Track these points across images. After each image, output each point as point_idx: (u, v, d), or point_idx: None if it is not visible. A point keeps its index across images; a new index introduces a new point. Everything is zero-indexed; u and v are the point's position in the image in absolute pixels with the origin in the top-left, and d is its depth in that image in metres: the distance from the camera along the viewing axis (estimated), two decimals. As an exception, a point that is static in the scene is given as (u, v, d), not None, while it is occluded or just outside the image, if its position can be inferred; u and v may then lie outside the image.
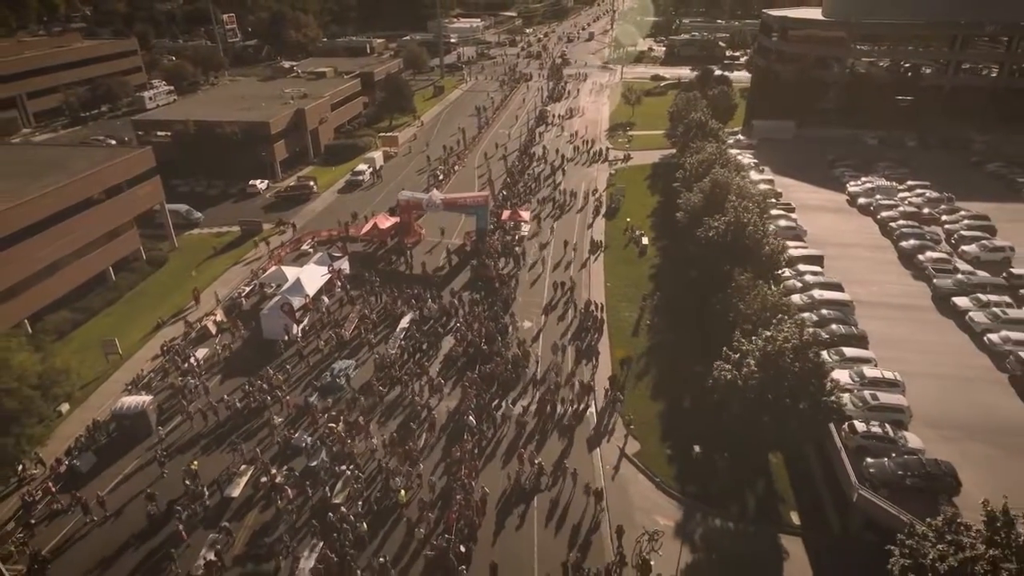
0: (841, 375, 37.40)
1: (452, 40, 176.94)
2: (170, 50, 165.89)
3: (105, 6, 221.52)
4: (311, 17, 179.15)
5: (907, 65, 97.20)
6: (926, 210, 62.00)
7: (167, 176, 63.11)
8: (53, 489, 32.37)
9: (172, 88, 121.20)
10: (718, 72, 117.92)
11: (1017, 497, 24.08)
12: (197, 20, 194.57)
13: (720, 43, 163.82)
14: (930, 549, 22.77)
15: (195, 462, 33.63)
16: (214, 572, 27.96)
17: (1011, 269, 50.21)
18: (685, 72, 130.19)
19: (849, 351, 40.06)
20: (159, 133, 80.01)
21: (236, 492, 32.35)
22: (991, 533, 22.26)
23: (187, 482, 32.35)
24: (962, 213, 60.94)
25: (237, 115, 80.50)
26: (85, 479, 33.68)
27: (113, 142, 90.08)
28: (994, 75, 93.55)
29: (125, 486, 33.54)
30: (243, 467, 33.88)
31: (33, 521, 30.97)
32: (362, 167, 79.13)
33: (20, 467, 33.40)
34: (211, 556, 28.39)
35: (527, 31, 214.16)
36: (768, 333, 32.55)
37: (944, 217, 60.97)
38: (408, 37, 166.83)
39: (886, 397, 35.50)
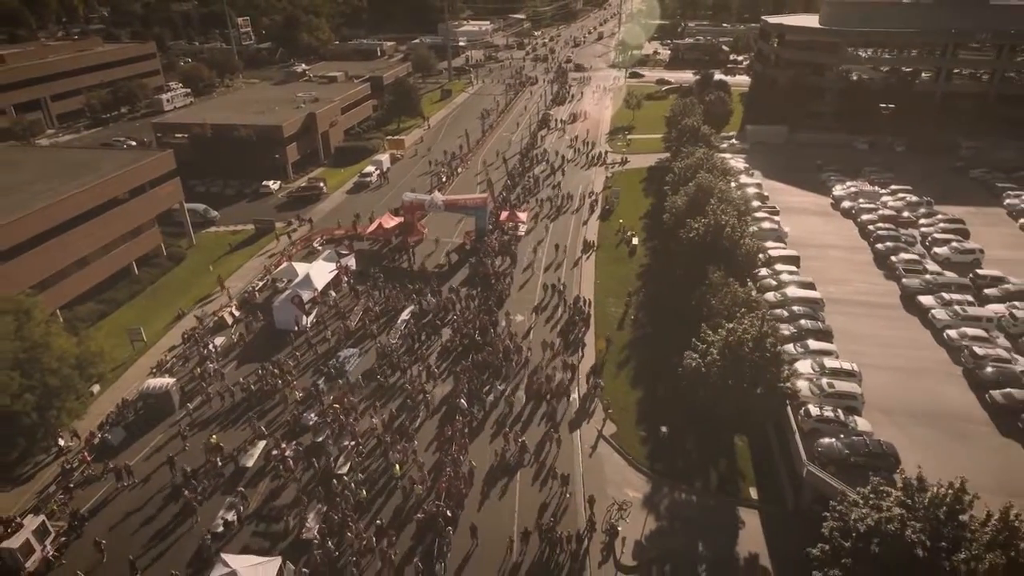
0: (804, 365, 40.71)
1: (461, 43, 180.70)
2: (186, 52, 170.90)
3: (122, 7, 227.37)
4: (323, 20, 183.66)
5: (908, 70, 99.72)
6: (905, 213, 64.79)
7: (185, 176, 67.04)
8: (88, 458, 36.36)
9: (189, 91, 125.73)
10: (718, 77, 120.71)
11: (950, 472, 27.06)
12: (212, 23, 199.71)
13: (724, 47, 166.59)
14: (854, 512, 26.10)
15: (214, 436, 37.48)
16: (231, 530, 31.81)
17: (977, 270, 53.19)
18: (688, 76, 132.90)
19: (814, 344, 43.23)
20: (177, 135, 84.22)
21: (250, 463, 36.19)
22: (906, 497, 25.57)
23: (219, 450, 36.33)
24: (939, 217, 63.86)
25: (251, 118, 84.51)
26: (116, 451, 37.67)
27: (133, 143, 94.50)
28: (985, 82, 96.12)
29: (152, 457, 37.45)
30: (257, 442, 37.66)
31: (72, 485, 34.95)
32: (370, 169, 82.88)
33: (60, 439, 37.35)
34: (229, 517, 32.21)
35: (535, 34, 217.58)
36: (730, 325, 35.94)
37: (922, 220, 63.80)
38: (418, 40, 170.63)
39: (841, 385, 38.67)
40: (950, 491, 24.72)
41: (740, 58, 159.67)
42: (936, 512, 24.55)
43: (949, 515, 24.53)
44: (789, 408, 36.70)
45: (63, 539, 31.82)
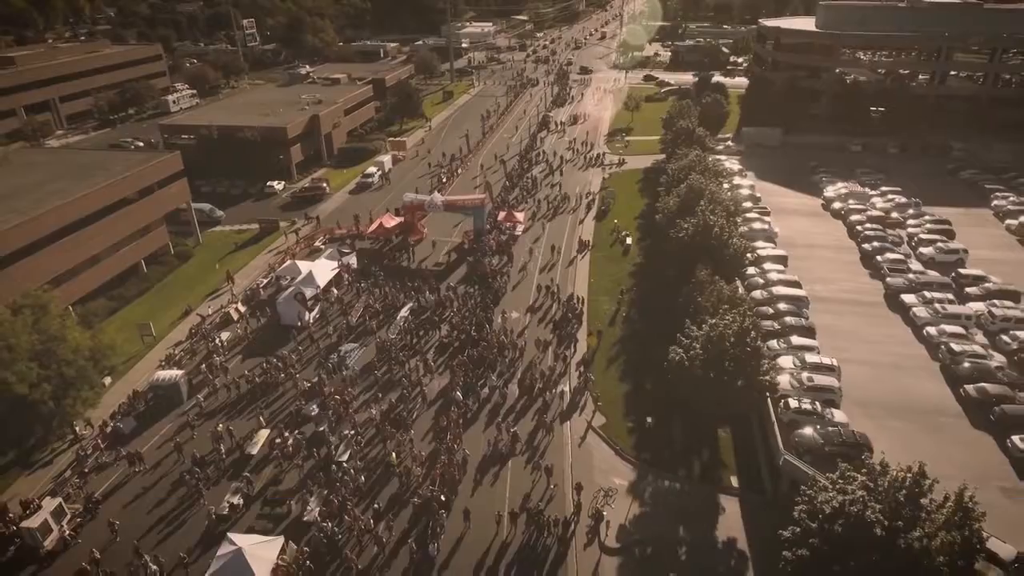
0: (786, 360, 42.44)
1: (464, 45, 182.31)
2: (192, 54, 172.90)
3: (129, 8, 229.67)
4: (327, 22, 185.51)
5: (904, 72, 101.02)
6: (894, 214, 66.38)
7: (192, 177, 68.74)
8: (101, 445, 38.32)
9: (195, 92, 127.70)
10: (716, 79, 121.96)
11: (915, 460, 28.69)
12: (218, 24, 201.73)
13: (724, 49, 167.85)
14: (821, 495, 27.76)
15: (220, 425, 39.36)
16: (237, 512, 33.67)
17: (959, 270, 54.74)
18: (688, 78, 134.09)
19: (797, 340, 44.91)
20: (184, 136, 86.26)
21: (255, 450, 38.03)
22: (869, 480, 27.23)
23: (224, 436, 38.35)
24: (926, 217, 65.36)
25: (256, 120, 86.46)
26: (127, 438, 39.62)
27: (141, 144, 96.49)
28: (979, 84, 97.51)
29: (162, 445, 39.33)
30: (261, 431, 39.50)
31: (86, 470, 36.90)
32: (372, 170, 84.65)
33: (75, 427, 39.27)
34: (235, 500, 34.07)
35: (537, 36, 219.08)
36: (713, 321, 37.62)
37: (909, 221, 65.31)
38: (421, 42, 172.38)
39: (820, 379, 40.38)
40: (909, 475, 26.39)
41: (740, 60, 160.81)
42: (896, 495, 26.20)
43: (909, 497, 26.19)
44: (769, 400, 38.34)
45: (79, 520, 33.71)
